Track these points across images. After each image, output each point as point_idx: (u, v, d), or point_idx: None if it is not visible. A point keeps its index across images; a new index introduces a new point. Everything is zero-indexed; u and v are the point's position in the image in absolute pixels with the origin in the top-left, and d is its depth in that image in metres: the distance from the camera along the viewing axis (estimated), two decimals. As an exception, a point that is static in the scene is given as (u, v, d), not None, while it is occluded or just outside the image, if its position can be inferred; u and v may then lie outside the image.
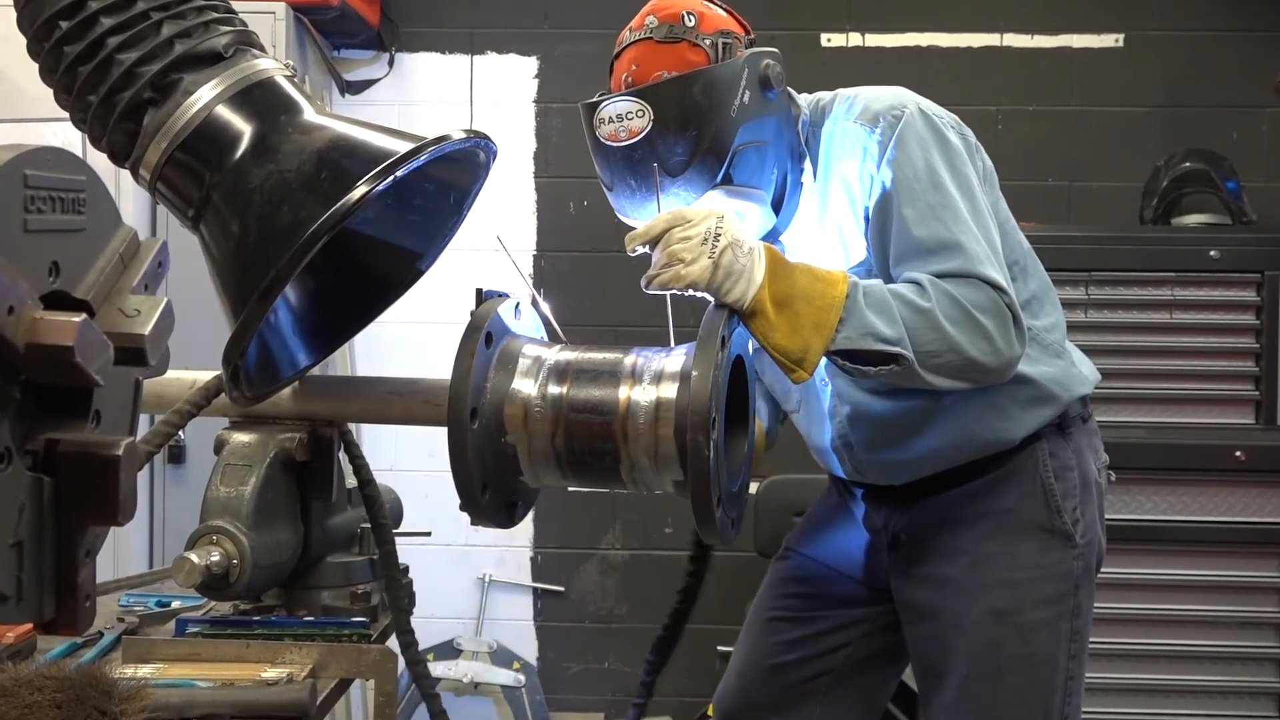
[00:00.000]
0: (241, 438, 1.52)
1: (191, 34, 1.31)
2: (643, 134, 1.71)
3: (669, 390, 1.45)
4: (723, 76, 1.73)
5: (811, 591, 2.08)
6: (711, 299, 1.58)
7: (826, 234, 1.86)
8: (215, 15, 1.34)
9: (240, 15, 1.40)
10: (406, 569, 1.66)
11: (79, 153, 1.05)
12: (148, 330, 1.00)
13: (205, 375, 1.51)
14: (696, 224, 1.58)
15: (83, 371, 0.92)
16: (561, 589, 4.21)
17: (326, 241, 1.25)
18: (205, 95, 1.30)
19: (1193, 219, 3.57)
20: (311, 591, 1.58)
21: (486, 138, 1.45)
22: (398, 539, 1.68)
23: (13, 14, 1.29)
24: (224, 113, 1.31)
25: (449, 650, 4.04)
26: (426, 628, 3.95)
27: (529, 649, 4.20)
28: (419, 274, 1.60)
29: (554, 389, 1.48)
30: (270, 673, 1.32)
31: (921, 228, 1.72)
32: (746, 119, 1.74)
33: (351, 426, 1.64)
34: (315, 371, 1.59)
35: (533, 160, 4.21)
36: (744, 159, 1.75)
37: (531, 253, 4.21)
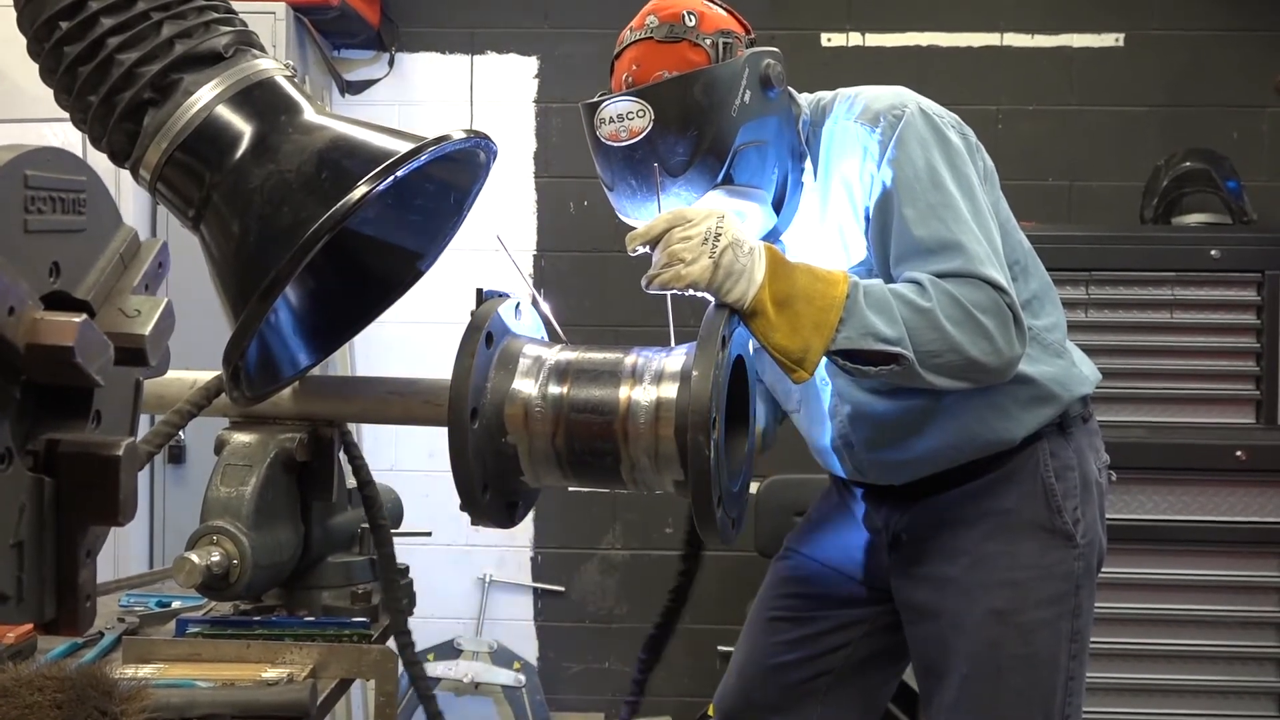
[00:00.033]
0: (242, 438, 1.52)
1: (192, 34, 1.31)
2: (643, 134, 1.71)
3: (669, 390, 1.45)
4: (723, 76, 1.73)
5: (812, 591, 2.08)
6: (712, 299, 1.58)
7: (827, 234, 1.86)
8: (215, 15, 1.34)
9: (240, 15, 1.40)
10: (407, 569, 1.66)
11: (79, 153, 1.05)
12: (148, 330, 1.00)
13: (205, 375, 1.51)
14: (697, 224, 1.58)
15: (83, 372, 0.92)
16: (562, 589, 4.21)
17: (327, 242, 1.25)
18: (205, 95, 1.30)
19: (1193, 218, 3.57)
20: (312, 591, 1.58)
21: (487, 138, 1.45)
22: (398, 539, 1.68)
23: (13, 14, 1.29)
24: (224, 113, 1.31)
25: (449, 650, 4.04)
26: (427, 628, 3.96)
27: (529, 649, 4.20)
28: (419, 274, 1.60)
29: (554, 389, 1.48)
30: (271, 673, 1.32)
31: (922, 227, 1.72)
32: (747, 119, 1.74)
33: (351, 427, 1.64)
34: (315, 372, 1.58)
35: (533, 160, 4.21)
36: (745, 159, 1.75)
37: (532, 253, 4.21)
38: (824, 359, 1.67)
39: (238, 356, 1.31)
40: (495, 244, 1.78)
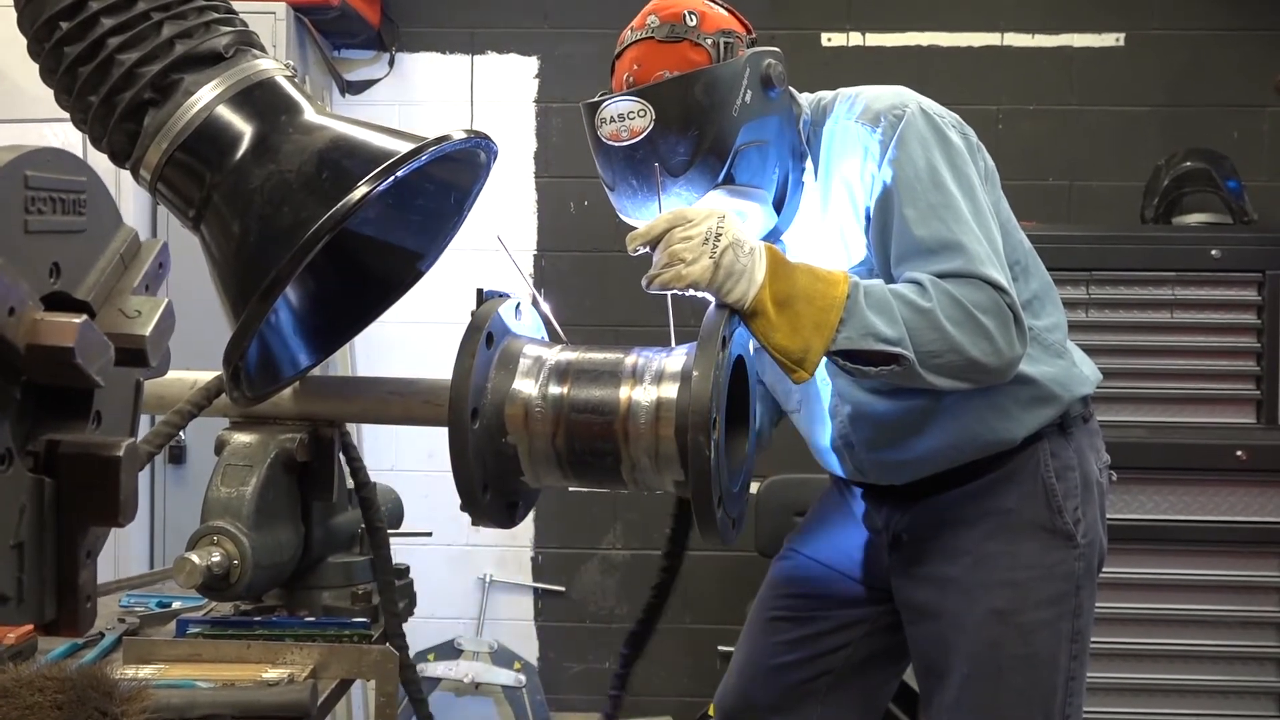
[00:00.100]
0: (242, 438, 1.52)
1: (192, 34, 1.31)
2: (644, 134, 1.70)
3: (670, 390, 1.45)
4: (724, 76, 1.73)
5: (812, 592, 2.08)
6: (712, 299, 1.58)
7: (827, 233, 1.86)
8: (216, 15, 1.34)
9: (240, 15, 1.40)
10: (407, 569, 1.66)
11: (80, 153, 1.05)
12: (148, 331, 0.99)
13: (206, 376, 1.51)
14: (698, 224, 1.58)
15: (83, 372, 0.92)
16: (562, 589, 4.21)
17: (327, 242, 1.25)
18: (206, 96, 1.30)
19: (1193, 218, 3.57)
20: (312, 592, 1.58)
21: (487, 138, 1.45)
22: (399, 539, 1.68)
23: (13, 15, 1.29)
24: (224, 113, 1.31)
25: (450, 650, 4.04)
26: (427, 628, 3.97)
27: (530, 649, 4.20)
28: (419, 274, 1.60)
29: (555, 389, 1.48)
30: (271, 673, 1.32)
31: (923, 227, 1.72)
32: (748, 118, 1.74)
33: (351, 427, 1.64)
34: (316, 372, 1.58)
35: (533, 160, 4.21)
36: (746, 158, 1.75)
37: (532, 253, 4.21)
38: (824, 359, 1.67)
39: (238, 357, 1.31)
40: (495, 244, 1.77)
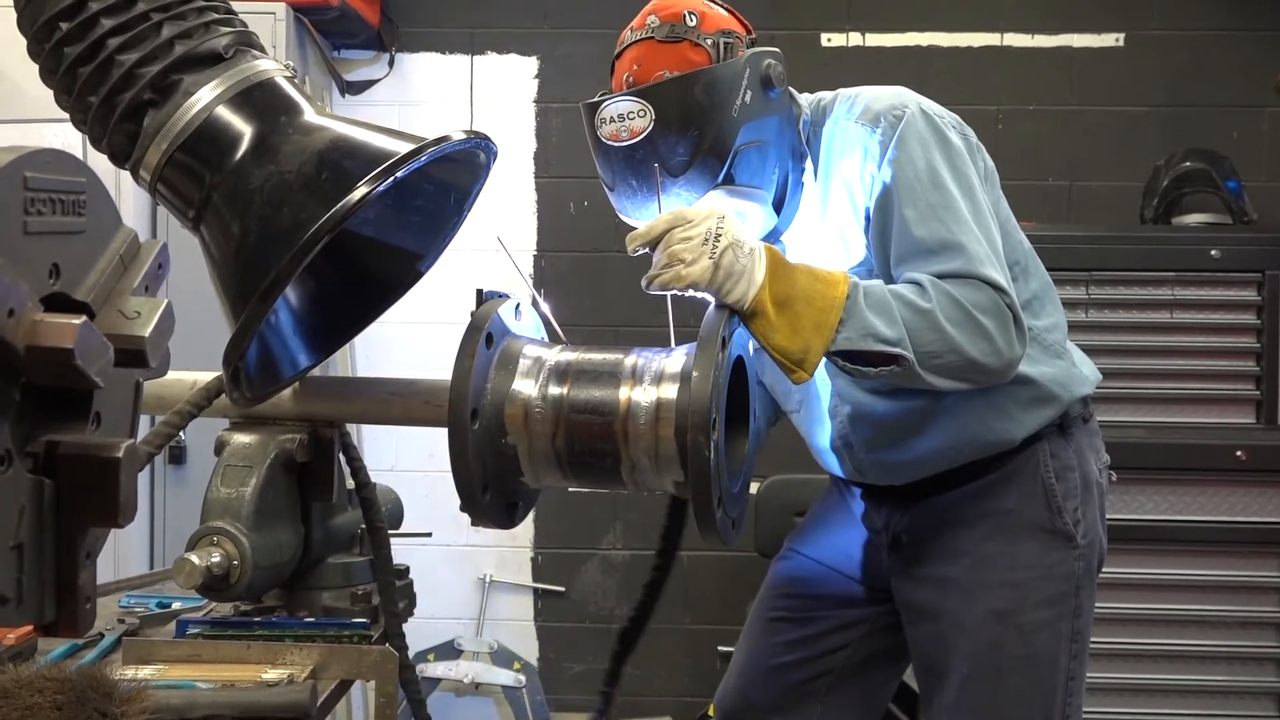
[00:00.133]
0: (242, 439, 1.52)
1: (192, 35, 1.31)
2: (644, 134, 1.71)
3: (669, 391, 1.45)
4: (724, 76, 1.73)
5: (812, 592, 2.08)
6: (712, 299, 1.58)
7: (827, 234, 1.86)
8: (215, 16, 1.34)
9: (240, 16, 1.40)
10: (407, 570, 1.66)
11: (79, 154, 1.05)
12: (148, 332, 0.99)
13: (206, 376, 1.51)
14: (697, 224, 1.58)
15: (83, 374, 0.92)
16: (562, 589, 4.21)
17: (327, 242, 1.25)
18: (205, 96, 1.30)
19: (1193, 218, 3.57)
20: (312, 592, 1.58)
21: (487, 138, 1.45)
22: (399, 539, 1.68)
23: (13, 15, 1.29)
24: (224, 114, 1.31)
25: (450, 650, 4.04)
26: (427, 628, 3.96)
27: (530, 649, 4.20)
28: (419, 275, 1.60)
29: (554, 389, 1.48)
30: (271, 674, 1.32)
31: (922, 228, 1.72)
32: (748, 119, 1.74)
33: (351, 427, 1.64)
34: (316, 372, 1.58)
35: (533, 160, 4.21)
36: (745, 159, 1.75)
37: (532, 253, 4.20)
38: (824, 360, 1.67)
39: (238, 357, 1.31)
40: (495, 244, 1.78)
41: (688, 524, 1.61)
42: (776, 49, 1.82)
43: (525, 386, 1.48)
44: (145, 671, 1.32)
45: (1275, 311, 3.31)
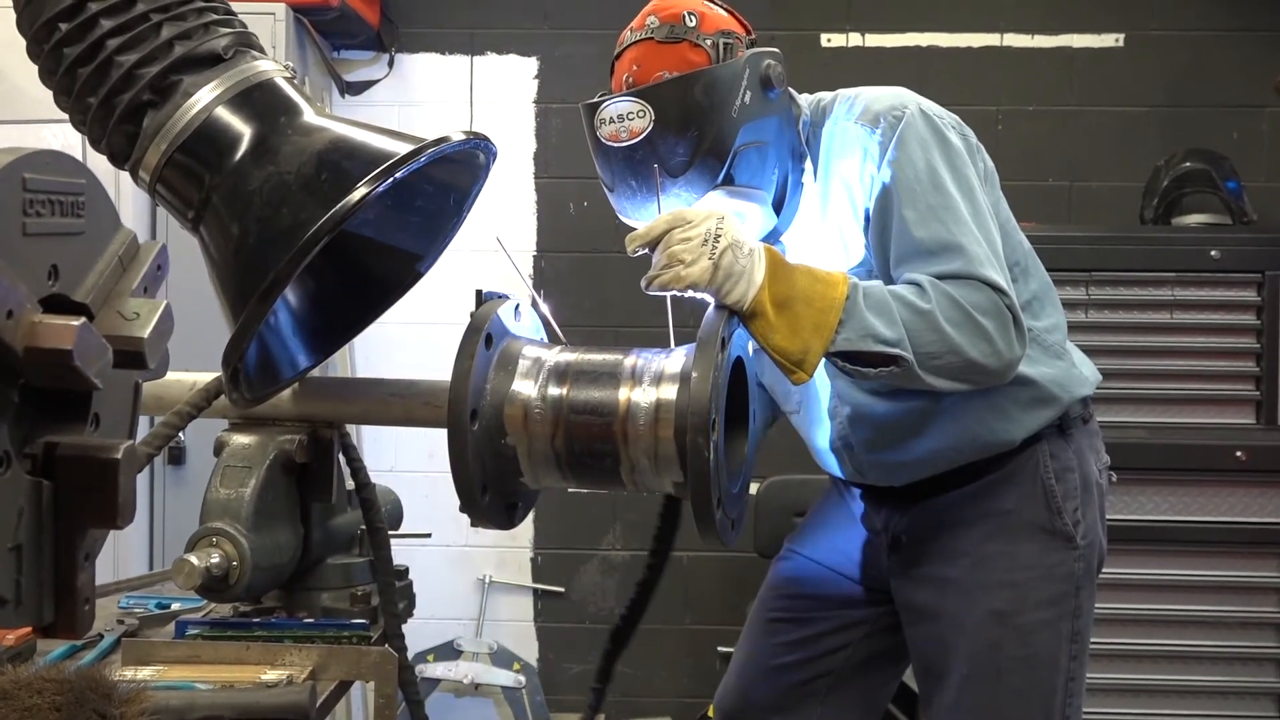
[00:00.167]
0: (241, 439, 1.52)
1: (191, 36, 1.31)
2: (644, 134, 1.70)
3: (669, 392, 1.45)
4: (724, 77, 1.73)
5: (812, 593, 2.08)
6: (711, 300, 1.58)
7: (827, 234, 1.86)
8: (215, 17, 1.34)
9: (240, 16, 1.40)
10: (406, 570, 1.66)
11: (79, 155, 1.05)
12: (147, 333, 0.99)
13: (205, 377, 1.51)
14: (697, 225, 1.58)
15: (82, 375, 0.91)
16: (562, 590, 4.21)
17: (326, 243, 1.25)
18: (205, 97, 1.30)
19: (1193, 219, 3.57)
20: (311, 593, 1.58)
21: (486, 139, 1.45)
22: (398, 540, 1.68)
23: (12, 16, 1.29)
24: (223, 114, 1.31)
25: (449, 651, 4.04)
26: (427, 629, 3.96)
27: (529, 650, 4.19)
28: (419, 275, 1.60)
29: (554, 390, 1.48)
30: (270, 675, 1.32)
31: (922, 229, 1.71)
32: (748, 119, 1.74)
33: (350, 428, 1.64)
34: (315, 373, 1.58)
35: (533, 161, 4.21)
36: (745, 159, 1.75)
37: (531, 253, 4.20)
38: (823, 360, 1.67)
39: (237, 358, 1.31)
40: (495, 245, 1.78)
41: (688, 524, 1.61)
42: (776, 49, 1.82)
43: (525, 387, 1.48)
44: (144, 672, 1.32)
45: (1275, 312, 3.31)
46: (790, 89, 1.86)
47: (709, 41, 1.75)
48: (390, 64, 4.16)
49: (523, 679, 4.02)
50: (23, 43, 1.30)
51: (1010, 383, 1.77)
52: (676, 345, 1.55)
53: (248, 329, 1.27)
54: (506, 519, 1.56)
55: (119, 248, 1.03)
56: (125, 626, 1.56)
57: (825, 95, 1.90)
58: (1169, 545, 3.31)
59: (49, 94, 1.32)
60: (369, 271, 1.58)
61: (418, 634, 3.68)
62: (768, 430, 2.11)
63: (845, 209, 1.82)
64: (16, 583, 0.92)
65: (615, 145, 1.73)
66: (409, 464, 3.92)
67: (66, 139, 2.70)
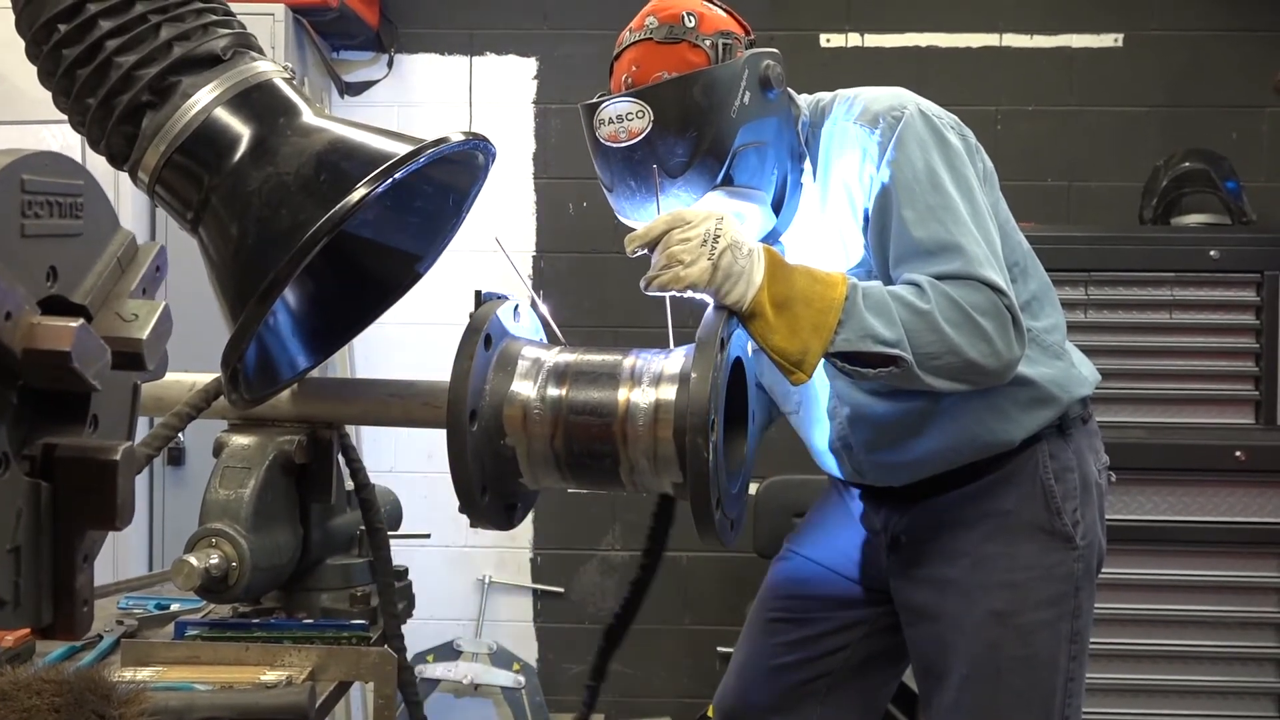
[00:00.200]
0: (240, 440, 1.52)
1: (190, 36, 1.30)
2: (643, 135, 1.71)
3: (668, 392, 1.45)
4: (723, 77, 1.73)
5: (811, 593, 2.08)
6: (711, 300, 1.58)
7: (826, 235, 1.86)
8: (214, 17, 1.34)
9: (239, 17, 1.40)
10: (406, 571, 1.66)
11: (79, 155, 1.05)
12: (145, 335, 0.99)
13: (204, 378, 1.51)
14: (696, 225, 1.58)
15: (80, 376, 0.91)
16: (561, 590, 4.20)
17: (325, 244, 1.25)
18: (204, 98, 1.30)
19: (1192, 219, 3.57)
20: (311, 594, 1.58)
21: (485, 140, 1.45)
22: (397, 541, 1.68)
23: (12, 17, 1.29)
24: (222, 115, 1.31)
25: (449, 652, 4.04)
26: (426, 629, 3.96)
27: (529, 650, 4.19)
28: (418, 276, 1.60)
29: (553, 391, 1.48)
30: (269, 675, 1.32)
31: (921, 229, 1.71)
32: (747, 120, 1.74)
33: (350, 429, 1.64)
34: (314, 374, 1.58)
35: (532, 161, 4.21)
36: (744, 160, 1.75)
37: (531, 254, 4.20)
38: (823, 361, 1.67)
39: (236, 359, 1.31)
40: (494, 245, 1.78)
41: (688, 524, 1.61)
42: (775, 50, 1.82)
43: (524, 388, 1.48)
44: (143, 673, 1.32)
45: (1274, 312, 3.31)
46: (789, 89, 1.86)
47: (708, 42, 1.75)
48: (389, 64, 4.16)
49: (522, 679, 4.02)
50: (22, 44, 1.30)
51: (1009, 383, 1.77)
52: (676, 346, 1.55)
53: (247, 330, 1.27)
54: (506, 520, 1.56)
55: (117, 249, 1.03)
56: (124, 627, 1.56)
57: (824, 95, 1.90)
58: (1169, 545, 3.31)
59: (48, 95, 1.32)
60: (368, 272, 1.58)
61: (417, 634, 3.68)
62: (767, 430, 2.11)
63: (844, 209, 1.82)
64: (15, 584, 0.92)
65: (614, 146, 1.73)
66: (408, 464, 3.92)
67: (66, 140, 2.70)
